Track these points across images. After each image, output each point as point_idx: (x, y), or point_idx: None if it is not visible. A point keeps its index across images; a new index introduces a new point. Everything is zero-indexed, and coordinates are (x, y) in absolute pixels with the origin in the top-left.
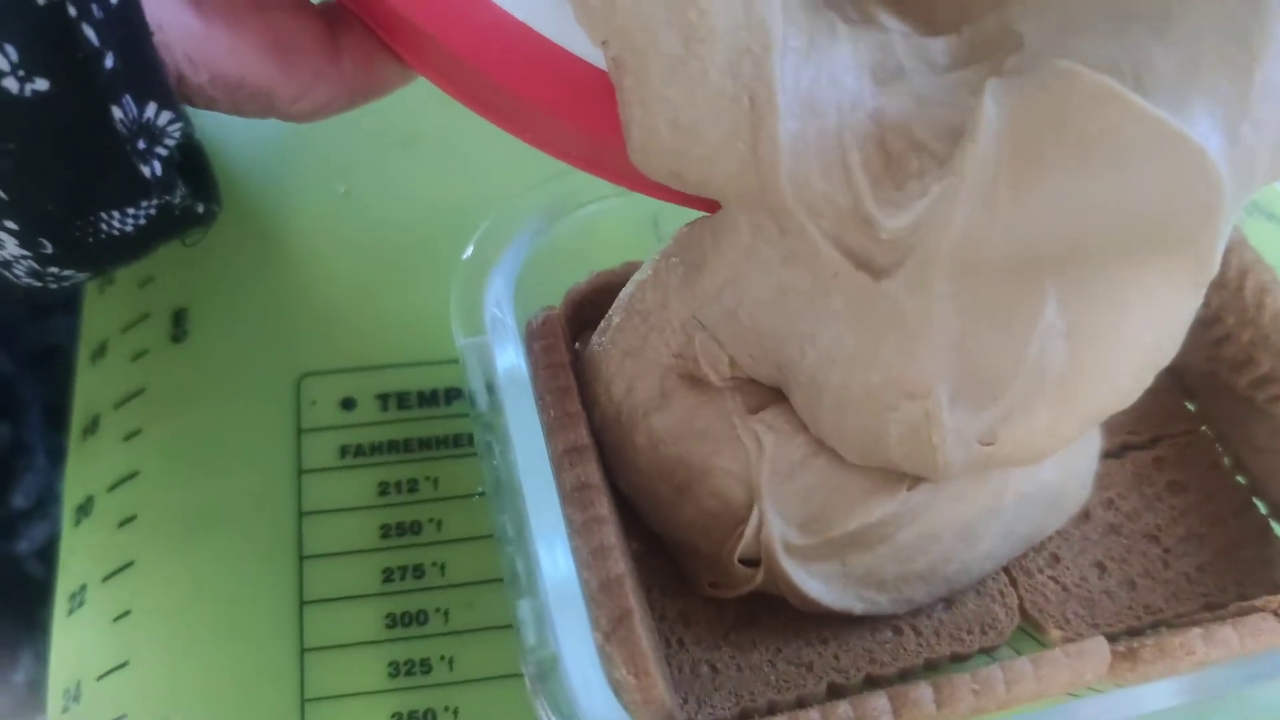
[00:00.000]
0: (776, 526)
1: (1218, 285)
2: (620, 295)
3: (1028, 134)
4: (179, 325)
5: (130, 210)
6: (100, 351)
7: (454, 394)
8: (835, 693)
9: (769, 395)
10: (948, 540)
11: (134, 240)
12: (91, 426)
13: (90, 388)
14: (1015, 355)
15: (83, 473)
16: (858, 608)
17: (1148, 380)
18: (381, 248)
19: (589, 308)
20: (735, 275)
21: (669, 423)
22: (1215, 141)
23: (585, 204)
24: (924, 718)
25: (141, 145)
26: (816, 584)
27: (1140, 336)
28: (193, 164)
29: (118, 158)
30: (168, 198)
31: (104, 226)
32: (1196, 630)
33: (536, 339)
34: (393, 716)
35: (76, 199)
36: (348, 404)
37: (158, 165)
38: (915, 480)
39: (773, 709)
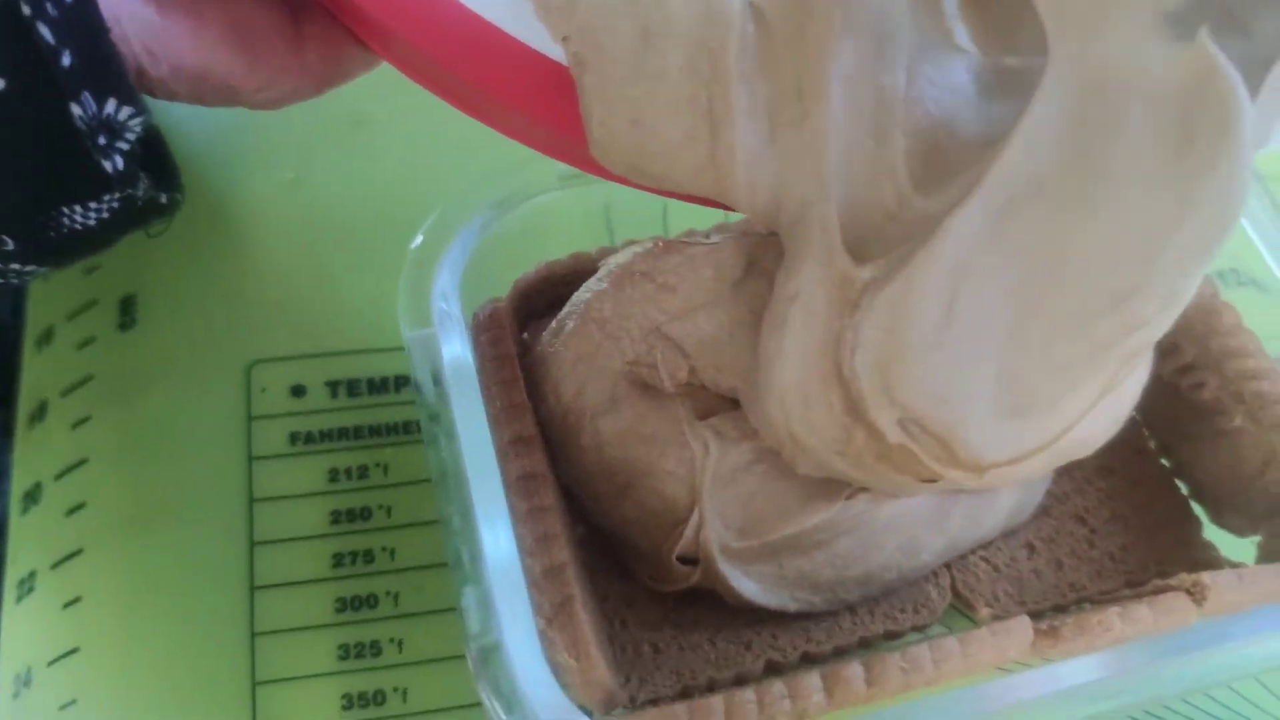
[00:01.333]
0: (715, 529)
1: None
2: (574, 300)
3: None
4: (127, 313)
5: (93, 205)
6: (46, 338)
7: (403, 381)
8: (773, 670)
9: (718, 402)
10: (888, 551)
11: (97, 234)
12: (39, 413)
13: (37, 374)
14: None
15: (30, 460)
16: (791, 607)
17: (1115, 431)
18: (330, 234)
19: (537, 297)
20: (716, 303)
21: (617, 426)
22: None
23: (534, 195)
24: (855, 695)
25: (102, 141)
26: (752, 584)
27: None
28: (154, 153)
29: (78, 154)
30: (130, 190)
31: (66, 221)
32: (1114, 609)
33: (483, 331)
34: (343, 698)
35: (38, 195)
36: (298, 391)
37: (119, 159)
38: (855, 490)
39: (712, 686)
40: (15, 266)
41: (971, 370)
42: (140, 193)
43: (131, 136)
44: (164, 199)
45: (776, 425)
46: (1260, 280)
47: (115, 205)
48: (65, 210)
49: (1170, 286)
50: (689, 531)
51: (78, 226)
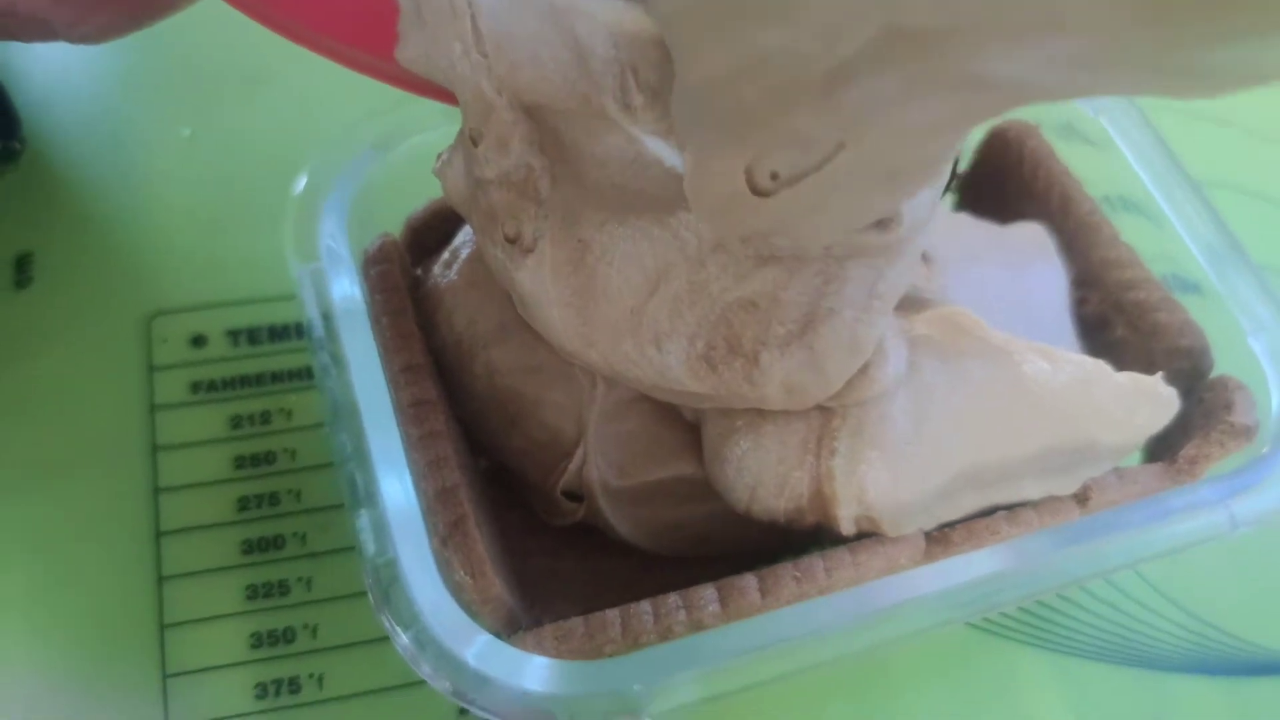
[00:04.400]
0: (598, 465)
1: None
2: (467, 229)
3: None
4: (22, 271)
5: None
6: None
7: (304, 328)
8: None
9: None
10: (754, 531)
11: None
12: None
13: None
14: None
15: None
16: (666, 553)
17: None
18: (227, 188)
19: (428, 233)
20: None
21: (507, 355)
22: None
23: (416, 133)
24: (749, 605)
25: None
26: (629, 527)
27: None
28: None
29: None
30: None
31: None
32: (1002, 513)
33: (373, 264)
34: (252, 636)
35: None
36: (198, 341)
37: None
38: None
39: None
40: None
41: (929, 481)
42: None
43: None
44: None
45: (738, 502)
46: (1140, 205)
47: None
48: None
49: None
50: (574, 466)
51: None
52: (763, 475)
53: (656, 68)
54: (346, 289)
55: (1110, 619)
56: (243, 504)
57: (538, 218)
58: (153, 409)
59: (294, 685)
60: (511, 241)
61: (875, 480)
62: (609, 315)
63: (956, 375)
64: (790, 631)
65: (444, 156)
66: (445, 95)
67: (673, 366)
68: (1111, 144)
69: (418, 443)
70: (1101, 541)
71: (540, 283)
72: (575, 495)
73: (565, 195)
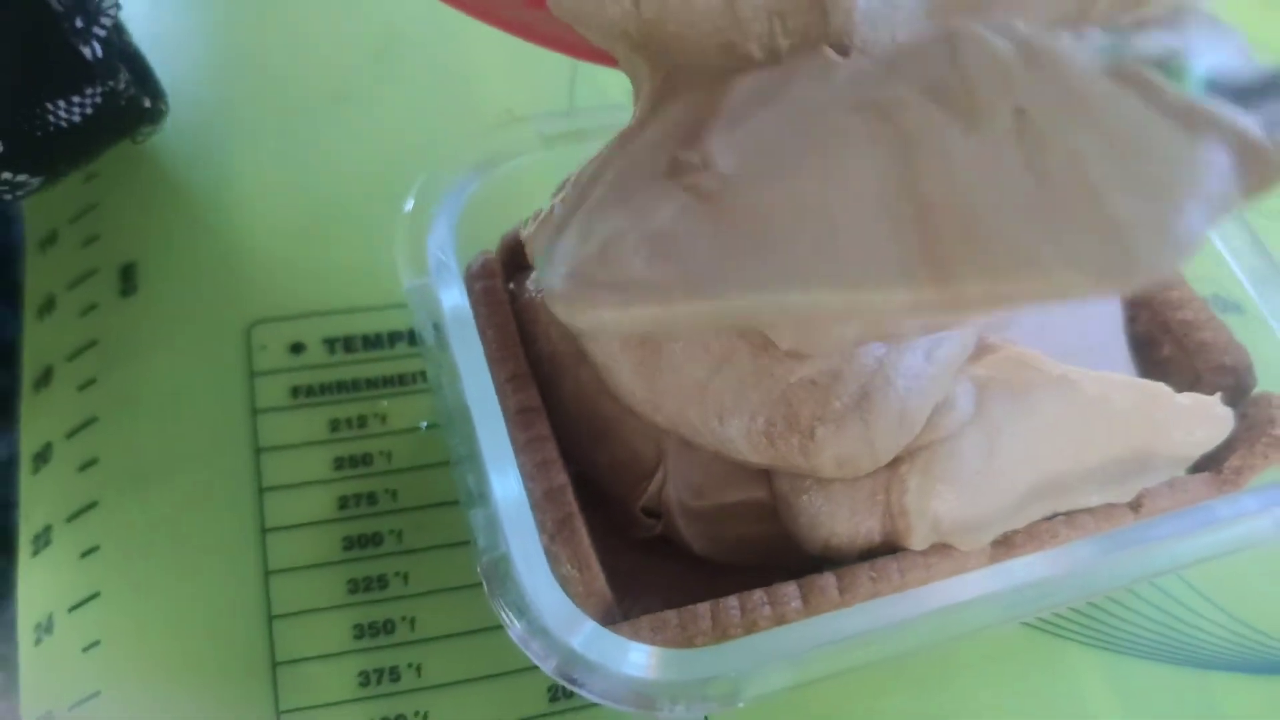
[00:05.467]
0: (676, 486)
1: None
2: None
3: None
4: (127, 280)
5: (75, 98)
6: (48, 307)
7: (397, 336)
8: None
9: None
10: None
11: (82, 132)
12: (44, 378)
13: (39, 341)
14: None
15: (39, 422)
16: (738, 564)
17: None
18: (320, 202)
19: (522, 252)
20: None
21: (594, 375)
22: None
23: (513, 156)
24: (829, 602)
25: (79, 24)
26: (704, 543)
27: None
28: (135, 66)
29: (56, 38)
30: (111, 83)
31: (51, 118)
32: (1060, 517)
33: (477, 279)
34: (354, 627)
35: (20, 88)
36: (297, 348)
37: (98, 46)
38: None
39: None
40: (7, 176)
41: (998, 502)
42: (121, 87)
43: (108, 21)
44: (147, 103)
45: (812, 549)
46: None
47: (98, 100)
48: (49, 105)
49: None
50: (653, 487)
51: (63, 124)
52: (835, 528)
53: (804, 14)
54: (456, 300)
55: (1158, 619)
56: (342, 503)
57: None
58: (254, 413)
59: (394, 674)
60: None
61: (948, 510)
62: (675, 385)
63: (1025, 408)
64: (873, 625)
65: (529, 229)
66: (598, 55)
67: (734, 439)
68: None
69: (525, 446)
70: (1155, 545)
71: (609, 349)
72: (654, 512)
73: None
